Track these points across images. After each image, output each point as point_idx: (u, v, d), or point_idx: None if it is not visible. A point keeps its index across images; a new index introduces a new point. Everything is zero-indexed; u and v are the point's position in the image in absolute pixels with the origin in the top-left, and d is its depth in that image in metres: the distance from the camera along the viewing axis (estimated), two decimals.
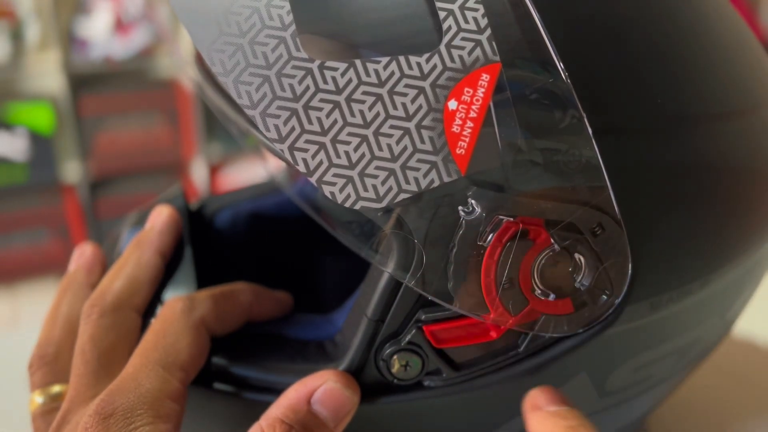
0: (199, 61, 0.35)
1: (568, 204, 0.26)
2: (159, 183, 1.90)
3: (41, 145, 1.73)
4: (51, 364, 0.32)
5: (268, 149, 0.27)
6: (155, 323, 0.30)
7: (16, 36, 1.69)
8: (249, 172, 1.94)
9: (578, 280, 0.27)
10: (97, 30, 1.73)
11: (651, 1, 0.30)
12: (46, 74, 1.74)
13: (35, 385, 0.32)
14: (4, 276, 1.82)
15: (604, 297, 0.27)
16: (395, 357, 0.29)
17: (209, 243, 0.44)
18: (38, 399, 0.31)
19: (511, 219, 0.26)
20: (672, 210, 0.28)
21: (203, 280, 0.36)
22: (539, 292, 0.27)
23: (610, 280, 0.27)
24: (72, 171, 1.80)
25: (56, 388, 0.31)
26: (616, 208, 0.27)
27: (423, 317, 0.29)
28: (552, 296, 0.27)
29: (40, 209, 1.80)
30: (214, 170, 1.98)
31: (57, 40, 1.70)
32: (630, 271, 0.27)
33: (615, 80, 0.27)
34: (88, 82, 1.80)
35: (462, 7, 0.26)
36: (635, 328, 0.29)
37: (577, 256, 0.27)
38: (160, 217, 0.35)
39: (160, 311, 0.31)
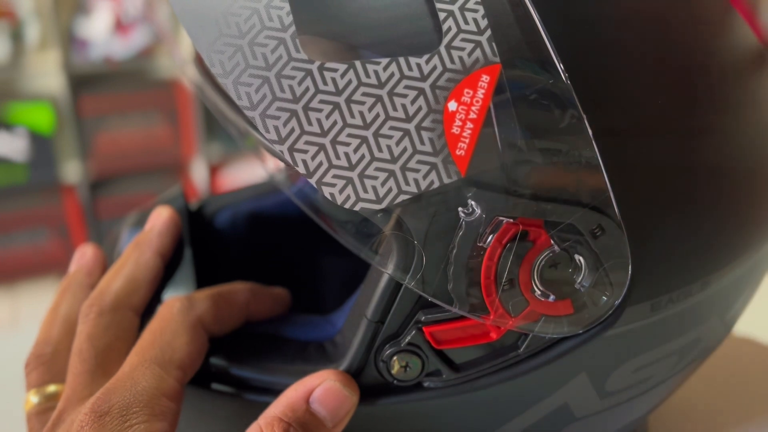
0: (199, 61, 0.35)
1: (568, 205, 0.26)
2: (159, 183, 1.90)
3: (41, 145, 1.73)
4: (47, 364, 0.32)
5: (268, 150, 0.27)
6: (153, 322, 0.30)
7: (16, 36, 1.69)
8: (249, 172, 1.94)
9: (578, 281, 0.27)
10: (97, 30, 1.73)
11: (650, 1, 0.30)
12: (46, 74, 1.74)
13: (31, 384, 0.31)
14: (4, 276, 1.82)
15: (604, 298, 0.27)
16: (395, 358, 0.29)
17: (209, 243, 0.44)
18: (33, 399, 0.31)
19: (511, 220, 0.26)
20: (672, 211, 0.28)
21: (203, 280, 0.36)
22: (539, 293, 0.27)
23: (610, 281, 0.27)
24: (72, 171, 1.80)
25: (52, 388, 0.31)
26: (616, 209, 0.27)
27: (423, 318, 0.29)
28: (552, 297, 0.27)
29: (40, 209, 1.80)
30: (214, 170, 1.98)
31: (57, 40, 1.70)
32: (630, 273, 0.27)
33: (615, 81, 0.27)
34: (88, 82, 1.80)
35: (462, 8, 0.26)
36: (635, 329, 0.29)
37: (577, 257, 0.27)
38: (160, 218, 0.35)
39: (158, 310, 0.31)
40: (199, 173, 1.94)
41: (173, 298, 0.31)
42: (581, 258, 0.26)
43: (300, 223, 0.47)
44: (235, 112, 0.30)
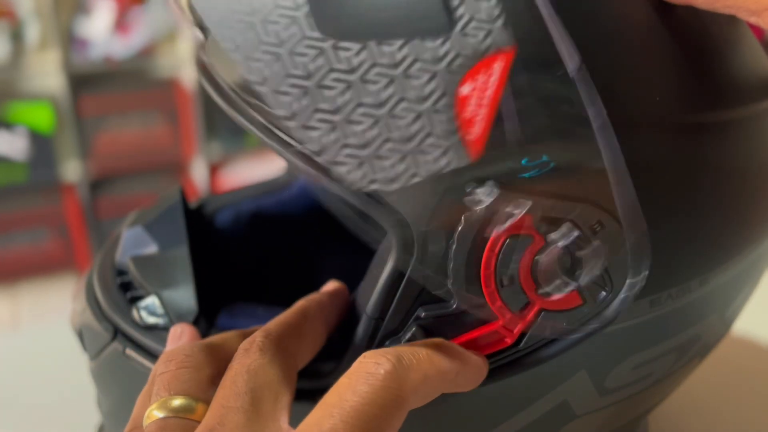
0: (200, 64, 0.35)
1: (569, 201, 0.26)
2: (159, 183, 1.90)
3: (41, 144, 1.73)
4: None
5: (279, 129, 0.27)
6: (255, 375, 0.26)
7: (16, 36, 1.69)
8: (249, 172, 1.94)
9: (578, 277, 0.27)
10: (97, 30, 1.73)
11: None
12: (46, 74, 1.74)
13: None
14: (4, 276, 1.82)
15: (604, 294, 0.27)
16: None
17: (209, 242, 0.44)
18: None
19: (518, 211, 0.26)
20: (671, 208, 0.28)
21: (203, 281, 0.36)
22: (539, 288, 0.27)
23: (610, 277, 0.27)
24: (72, 171, 1.80)
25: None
26: (616, 205, 0.27)
27: (423, 315, 0.29)
28: (551, 293, 0.27)
29: (40, 209, 1.80)
30: (214, 170, 1.98)
31: (57, 40, 1.70)
32: (629, 269, 0.27)
33: (617, 76, 0.27)
34: (88, 82, 1.80)
35: None
36: (635, 326, 0.29)
37: (576, 253, 0.27)
38: (331, 285, 0.34)
39: (244, 357, 0.27)
40: (199, 173, 1.94)
41: (253, 342, 0.27)
42: (581, 254, 0.27)
43: (300, 223, 0.47)
44: (240, 115, 0.30)
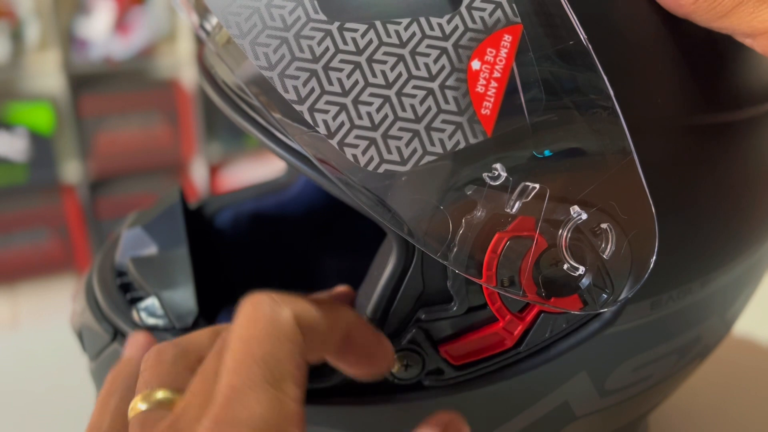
0: (202, 65, 0.35)
1: (572, 202, 0.26)
2: (159, 183, 1.90)
3: (41, 145, 1.73)
4: None
5: (286, 115, 0.26)
6: (239, 327, 0.24)
7: (16, 36, 1.69)
8: (249, 173, 1.94)
9: (579, 279, 0.27)
10: (97, 30, 1.73)
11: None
12: (46, 74, 1.74)
13: None
14: (4, 276, 1.82)
15: (605, 296, 0.27)
16: (395, 356, 0.29)
17: (209, 243, 0.44)
18: None
19: (537, 186, 0.25)
20: (673, 209, 0.28)
21: (203, 280, 0.36)
22: (540, 290, 0.27)
23: (611, 279, 0.27)
24: (72, 171, 1.80)
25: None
26: (616, 207, 0.26)
27: (423, 317, 0.29)
28: (552, 295, 0.27)
29: (40, 209, 1.80)
30: (214, 170, 1.98)
31: (57, 40, 1.70)
32: (630, 270, 0.27)
33: (622, 77, 0.27)
34: (88, 82, 1.80)
35: None
36: (635, 328, 0.29)
37: (578, 255, 0.27)
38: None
39: (241, 310, 0.25)
40: (199, 173, 1.94)
41: (258, 295, 0.25)
42: (582, 256, 0.26)
43: (300, 223, 0.47)
44: (241, 117, 0.29)
